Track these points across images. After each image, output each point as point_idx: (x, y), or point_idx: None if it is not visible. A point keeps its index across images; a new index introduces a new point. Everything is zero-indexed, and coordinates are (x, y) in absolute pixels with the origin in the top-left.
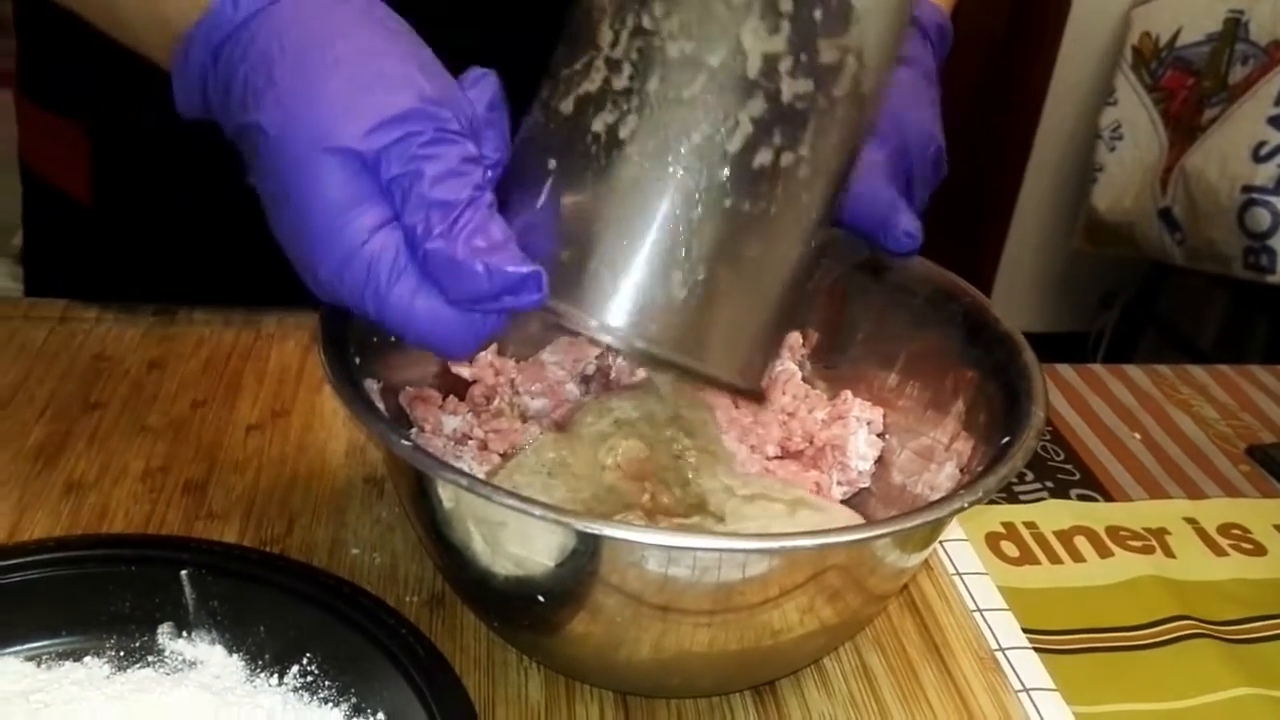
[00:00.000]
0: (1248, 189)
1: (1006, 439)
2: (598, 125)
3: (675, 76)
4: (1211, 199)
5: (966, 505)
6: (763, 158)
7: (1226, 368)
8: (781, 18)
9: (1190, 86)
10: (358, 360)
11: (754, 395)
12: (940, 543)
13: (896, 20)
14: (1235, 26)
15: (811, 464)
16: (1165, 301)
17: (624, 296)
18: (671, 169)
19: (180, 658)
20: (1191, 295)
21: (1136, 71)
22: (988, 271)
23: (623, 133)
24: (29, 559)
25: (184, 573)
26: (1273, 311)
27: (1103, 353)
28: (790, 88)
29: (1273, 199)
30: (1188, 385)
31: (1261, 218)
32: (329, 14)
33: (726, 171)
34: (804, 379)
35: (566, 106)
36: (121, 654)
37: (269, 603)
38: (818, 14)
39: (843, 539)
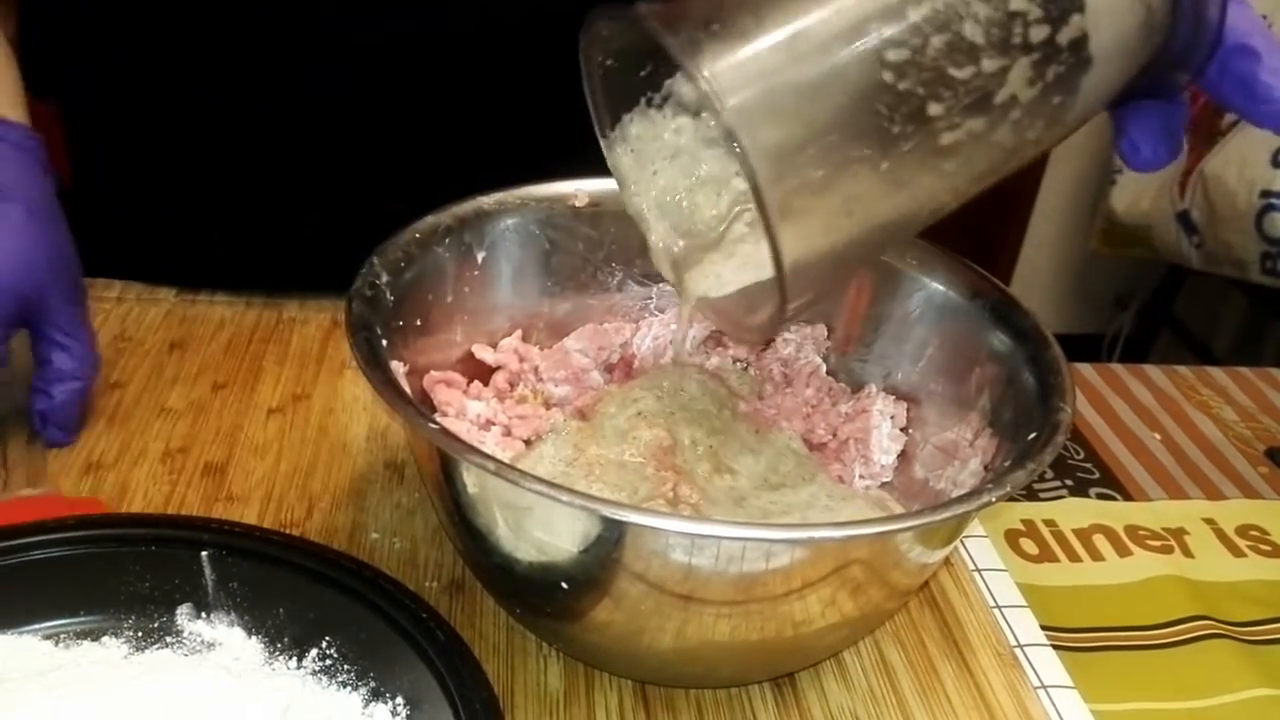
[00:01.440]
0: (1266, 194)
1: (1033, 435)
2: None
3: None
4: (1230, 203)
5: (993, 500)
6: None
7: (1247, 370)
8: None
9: None
10: (385, 343)
11: (775, 322)
12: (961, 539)
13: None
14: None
15: (834, 457)
16: (1181, 304)
17: (755, 97)
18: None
19: (199, 639)
20: (1207, 299)
21: None
22: (1005, 271)
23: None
24: (48, 537)
25: (204, 554)
26: None
27: (1118, 355)
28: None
29: None
30: (1207, 387)
31: (1279, 223)
32: None
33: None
34: (828, 372)
35: None
36: (140, 634)
37: (289, 585)
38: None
39: (867, 530)
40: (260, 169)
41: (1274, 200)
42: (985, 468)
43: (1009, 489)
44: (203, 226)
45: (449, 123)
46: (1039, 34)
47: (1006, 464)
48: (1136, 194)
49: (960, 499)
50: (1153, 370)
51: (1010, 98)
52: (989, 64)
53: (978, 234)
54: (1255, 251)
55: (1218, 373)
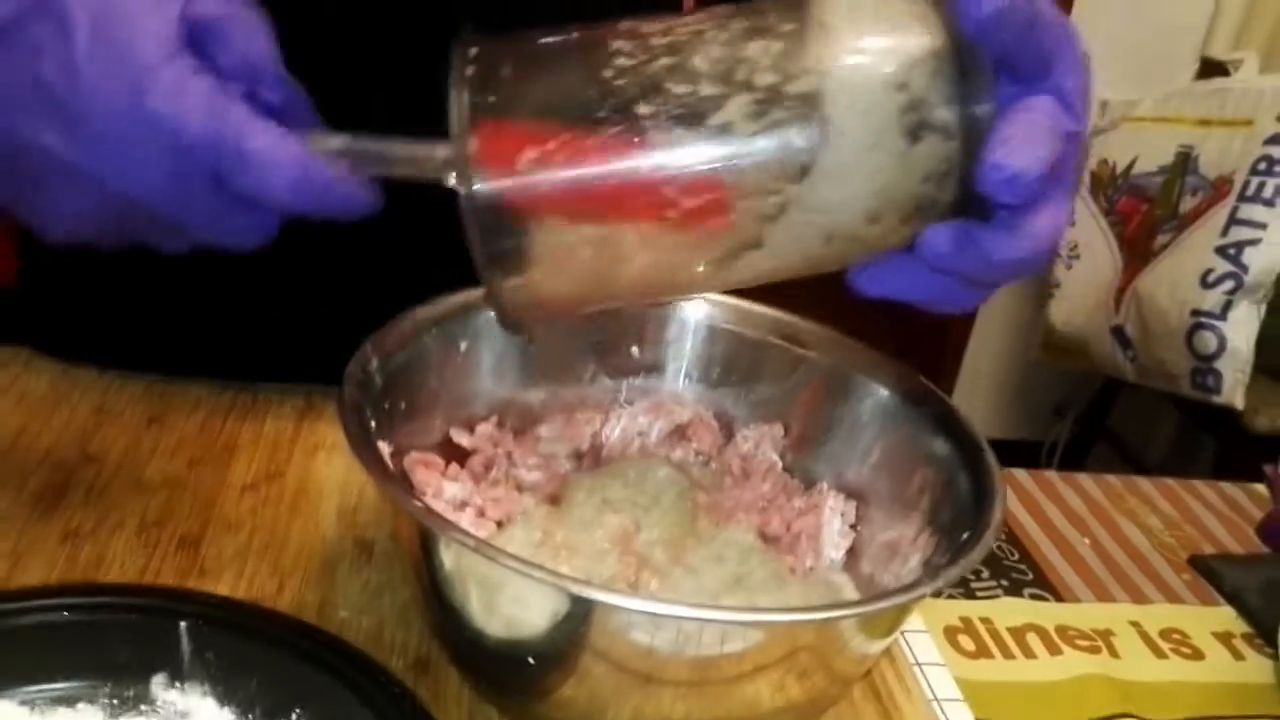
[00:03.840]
0: (1196, 312)
1: (965, 535)
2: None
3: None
4: (1161, 320)
5: (926, 593)
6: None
7: (1172, 481)
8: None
9: (1144, 213)
10: (373, 425)
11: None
12: (902, 633)
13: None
14: (1185, 160)
15: (788, 549)
16: (1117, 415)
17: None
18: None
19: (173, 708)
20: (1142, 410)
21: (1094, 195)
22: (949, 378)
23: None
24: (29, 603)
25: (182, 624)
26: (1219, 430)
27: (1056, 462)
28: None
29: (1219, 324)
30: (1135, 495)
31: (1208, 341)
32: None
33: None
34: (784, 468)
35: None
36: (115, 702)
37: (263, 657)
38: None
39: (813, 616)
40: (228, 268)
41: (1203, 319)
42: (924, 563)
43: (940, 583)
44: (173, 321)
45: (419, 222)
46: (765, 79)
47: (941, 561)
48: (1074, 307)
49: (896, 590)
50: (1085, 479)
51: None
52: (707, 88)
53: (922, 340)
54: (1186, 367)
55: (1145, 483)
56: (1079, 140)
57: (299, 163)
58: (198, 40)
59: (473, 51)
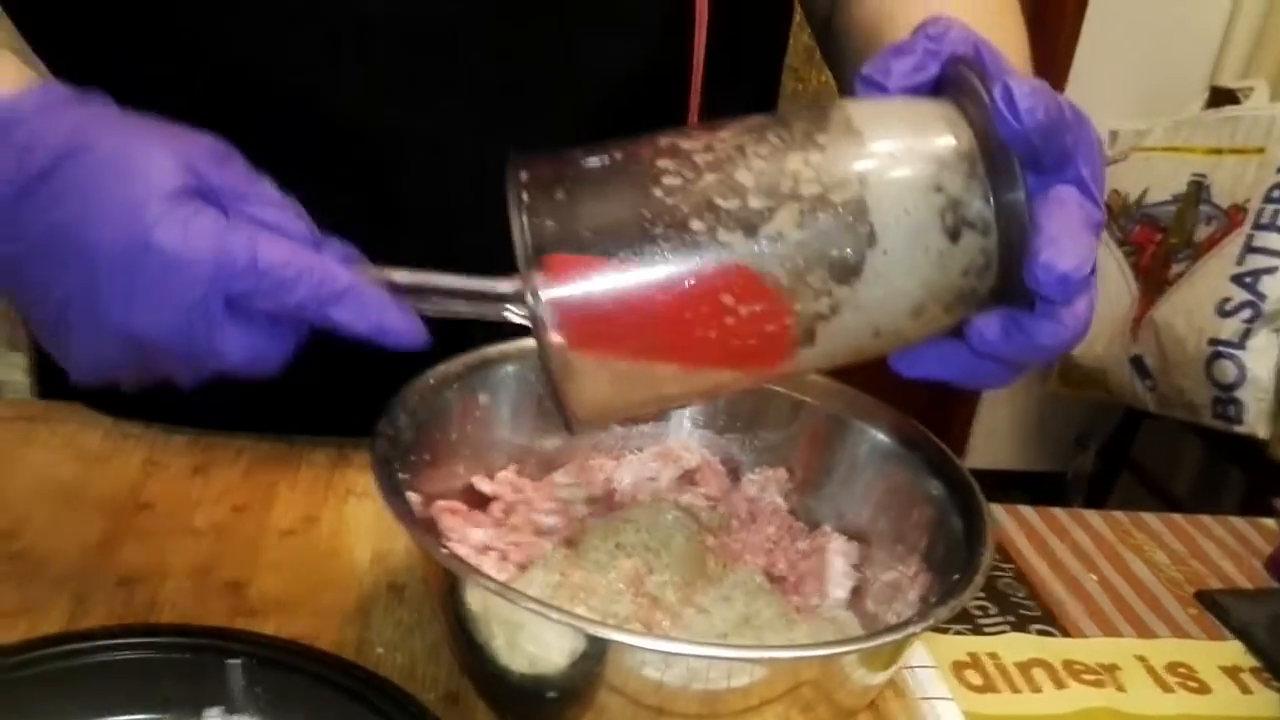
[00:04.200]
0: (1214, 341)
1: (957, 575)
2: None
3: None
4: (1180, 350)
5: (915, 632)
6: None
7: (1180, 516)
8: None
9: (1158, 242)
10: (402, 476)
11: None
12: (910, 668)
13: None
14: (1198, 189)
15: (793, 590)
16: (1141, 446)
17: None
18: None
19: None
20: (1165, 440)
21: (1107, 226)
22: (967, 410)
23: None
24: (95, 643)
25: (234, 662)
26: (1244, 461)
27: (1081, 494)
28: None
29: (1238, 353)
30: (1142, 531)
31: (1228, 370)
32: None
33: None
34: (789, 511)
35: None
36: None
37: (308, 692)
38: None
39: (814, 653)
40: None
41: (1222, 348)
42: (921, 600)
43: (932, 621)
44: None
45: None
46: (809, 190)
47: (933, 600)
48: (1092, 337)
49: (889, 628)
50: (1092, 515)
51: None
52: (755, 202)
53: None
54: (1207, 396)
55: (1152, 519)
56: (1101, 225)
57: (376, 298)
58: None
59: (524, 176)
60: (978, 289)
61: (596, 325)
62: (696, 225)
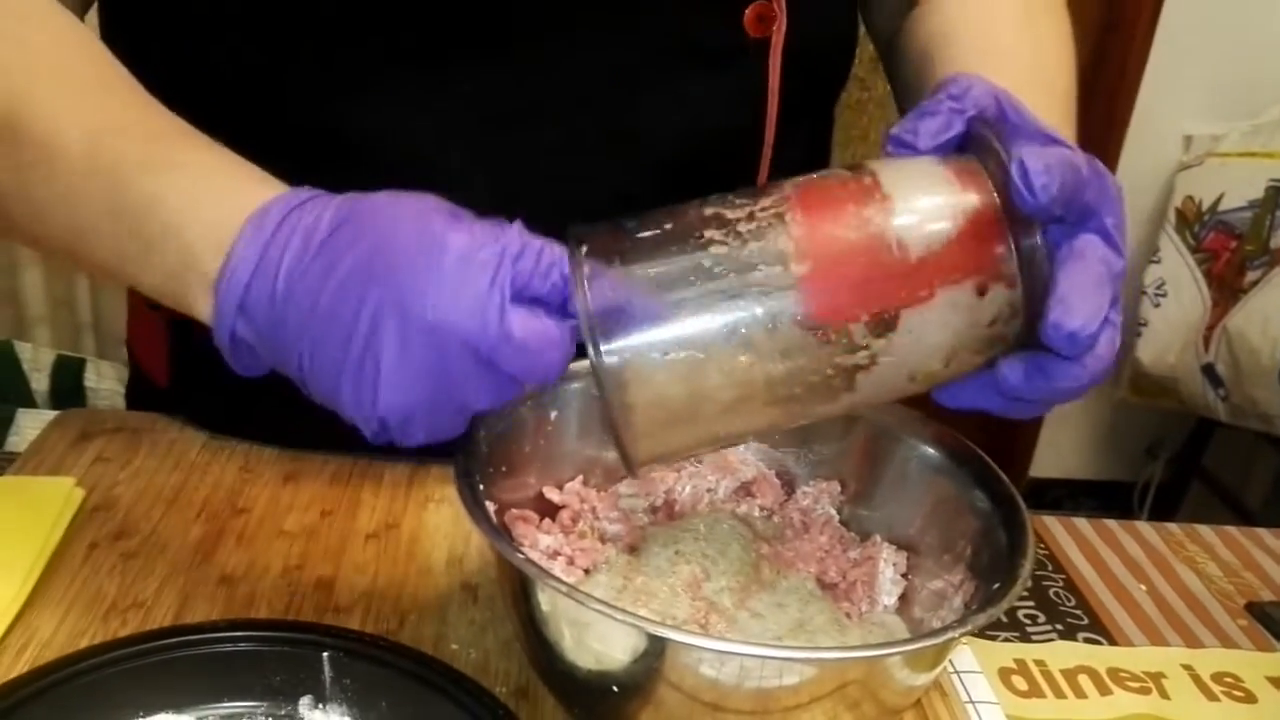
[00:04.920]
0: None
1: (998, 584)
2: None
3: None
4: (1254, 359)
5: (955, 637)
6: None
7: (1235, 529)
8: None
9: (1232, 249)
10: (481, 487)
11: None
12: (957, 673)
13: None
14: (1276, 194)
15: (844, 596)
16: (1212, 456)
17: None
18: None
19: None
20: (1240, 451)
21: (1180, 233)
22: (1034, 420)
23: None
24: (203, 636)
25: (325, 654)
26: None
27: (1148, 506)
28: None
29: None
30: (1195, 543)
31: None
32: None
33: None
34: (841, 522)
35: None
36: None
37: (392, 683)
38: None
39: (859, 654)
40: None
41: None
42: (965, 607)
43: (970, 627)
44: (300, 411)
45: None
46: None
47: (974, 608)
48: (1163, 346)
49: (930, 632)
50: (1144, 526)
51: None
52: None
53: None
54: None
55: (1205, 530)
56: (1123, 274)
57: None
58: None
59: (584, 247)
60: (1005, 334)
61: (653, 383)
62: (743, 290)
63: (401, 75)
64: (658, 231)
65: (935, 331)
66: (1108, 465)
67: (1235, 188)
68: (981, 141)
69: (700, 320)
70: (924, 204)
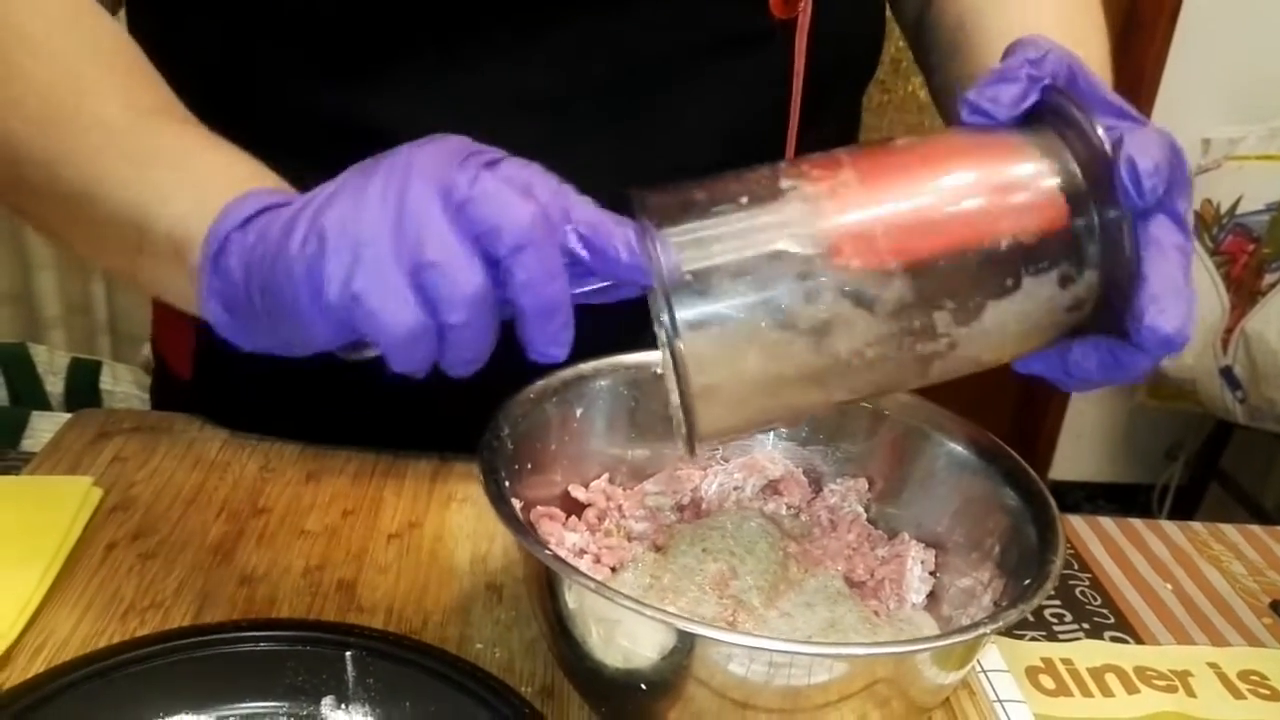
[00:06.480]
0: None
1: (1028, 581)
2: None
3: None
4: (1271, 361)
5: (984, 633)
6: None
7: (1259, 528)
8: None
9: (1251, 252)
10: (506, 484)
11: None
12: (985, 672)
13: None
14: None
15: (872, 594)
16: (1230, 458)
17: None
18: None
19: None
20: (1257, 453)
21: (1198, 235)
22: (1055, 421)
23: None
24: (224, 635)
25: (348, 654)
26: None
27: (1167, 508)
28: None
29: None
30: (1220, 543)
31: None
32: None
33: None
34: (869, 520)
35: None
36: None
37: (416, 683)
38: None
39: (887, 650)
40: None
41: None
42: (995, 604)
43: (1000, 624)
44: (323, 405)
45: None
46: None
47: (1005, 604)
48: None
49: (958, 630)
50: (1169, 526)
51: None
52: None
53: (1028, 384)
54: None
55: (1230, 529)
56: (1191, 253)
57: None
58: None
59: (651, 209)
60: (1080, 318)
61: (728, 350)
62: (818, 265)
63: (415, 65)
64: (728, 198)
65: (1015, 321)
66: (1127, 468)
67: (1253, 191)
68: (1059, 111)
69: (775, 293)
70: (1008, 182)
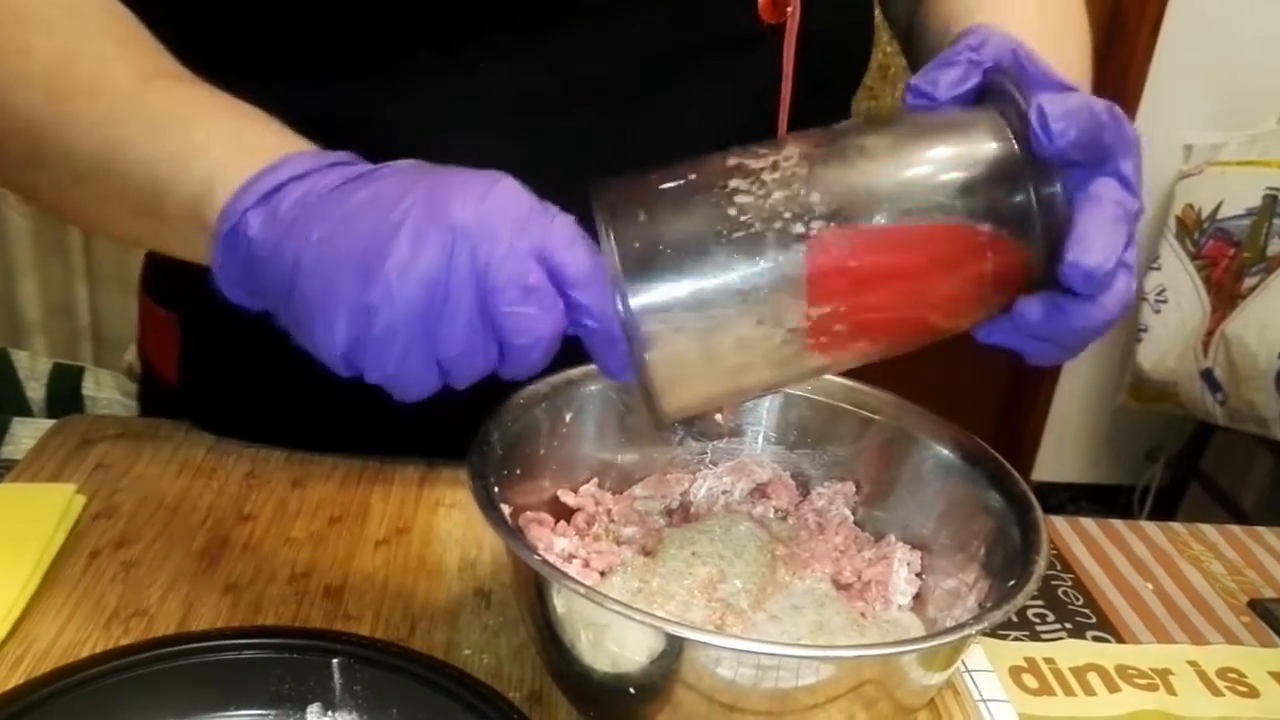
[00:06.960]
0: None
1: (1012, 582)
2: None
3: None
4: (1251, 363)
5: (970, 634)
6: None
7: (1237, 528)
8: None
9: (1231, 256)
10: (495, 489)
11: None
12: (969, 672)
13: None
14: (1273, 203)
15: (858, 596)
16: (1210, 459)
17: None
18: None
19: None
20: (1237, 454)
21: (1180, 240)
22: (1037, 422)
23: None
24: (209, 644)
25: (335, 661)
26: None
27: (1148, 509)
28: None
29: None
30: (1200, 543)
31: None
32: None
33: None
34: (856, 522)
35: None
36: None
37: (403, 689)
38: None
39: (874, 652)
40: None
41: None
42: (979, 606)
43: (985, 625)
44: (309, 410)
45: None
46: None
47: (989, 605)
48: (1162, 352)
49: (944, 630)
50: (1150, 526)
51: None
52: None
53: (1011, 386)
54: (1276, 410)
55: (1210, 529)
56: (1139, 215)
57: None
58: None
59: (608, 200)
60: (1029, 277)
61: (681, 334)
62: (767, 237)
63: (416, 66)
64: (681, 182)
65: (959, 284)
66: (1108, 469)
67: (1234, 196)
68: (1000, 91)
69: (727, 270)
70: (944, 154)
